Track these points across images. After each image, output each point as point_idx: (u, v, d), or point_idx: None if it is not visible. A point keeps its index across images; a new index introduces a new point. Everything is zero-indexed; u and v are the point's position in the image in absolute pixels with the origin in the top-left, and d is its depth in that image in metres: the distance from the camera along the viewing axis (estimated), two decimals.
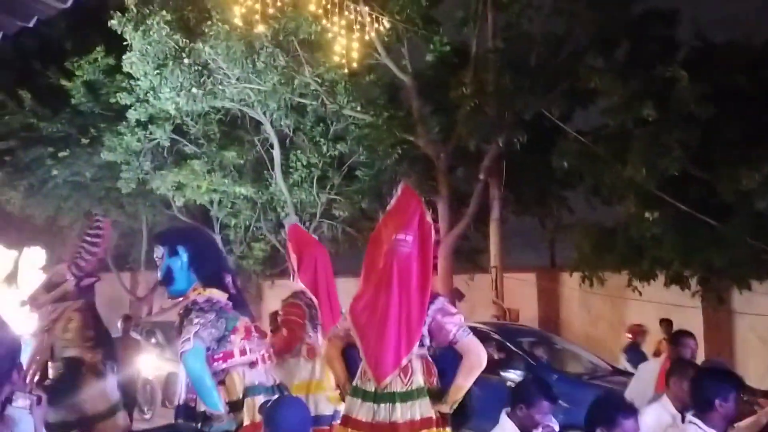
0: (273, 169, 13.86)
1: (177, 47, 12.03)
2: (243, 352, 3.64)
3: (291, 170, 13.75)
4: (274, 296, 16.57)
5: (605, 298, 12.66)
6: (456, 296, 11.89)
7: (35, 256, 6.66)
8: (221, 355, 3.61)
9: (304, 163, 13.63)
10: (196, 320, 3.55)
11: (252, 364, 3.65)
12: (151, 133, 13.52)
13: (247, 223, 14.98)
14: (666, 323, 9.91)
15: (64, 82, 14.47)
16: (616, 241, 10.45)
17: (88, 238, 4.75)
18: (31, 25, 3.36)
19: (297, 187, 13.78)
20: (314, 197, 13.81)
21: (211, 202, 14.63)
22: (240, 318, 3.72)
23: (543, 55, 11.58)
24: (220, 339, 3.60)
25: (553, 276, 14.17)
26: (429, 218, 3.83)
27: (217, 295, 3.70)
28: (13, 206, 15.29)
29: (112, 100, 13.61)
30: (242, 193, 14.08)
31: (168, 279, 3.78)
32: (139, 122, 13.37)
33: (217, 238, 15.38)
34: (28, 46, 16.67)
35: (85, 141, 14.43)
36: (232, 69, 12.17)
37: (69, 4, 3.19)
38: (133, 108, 13.07)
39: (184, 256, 3.76)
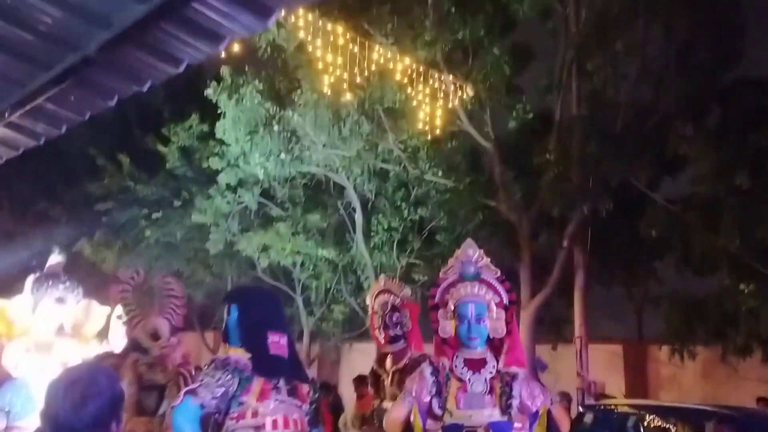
0: (354, 232, 14.02)
1: (268, 114, 12.49)
2: (254, 414, 3.56)
3: (372, 234, 13.86)
4: (352, 359, 16.55)
5: (696, 373, 12.02)
6: (538, 366, 11.53)
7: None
8: (235, 414, 3.55)
9: (385, 226, 13.72)
10: (201, 377, 3.55)
11: (259, 428, 3.56)
12: (239, 197, 13.93)
13: (328, 285, 15.08)
14: (763, 402, 9.30)
15: (160, 148, 15.20)
16: (708, 314, 9.99)
17: (174, 297, 4.93)
18: (144, 89, 3.54)
19: (377, 251, 13.85)
20: (394, 261, 13.82)
21: (294, 264, 14.83)
22: (256, 379, 3.63)
23: (629, 121, 11.42)
24: (232, 398, 3.54)
25: (640, 348, 13.59)
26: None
27: (238, 355, 3.66)
28: (107, 266, 15.90)
29: (204, 165, 14.18)
30: (324, 256, 14.24)
31: (224, 336, 3.82)
32: (228, 186, 13.82)
33: (299, 300, 15.66)
34: (128, 113, 17.71)
35: (177, 203, 15.01)
36: (318, 135, 12.51)
37: (182, 69, 3.35)
38: (223, 172, 13.54)
39: (234, 314, 3.79)
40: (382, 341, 5.37)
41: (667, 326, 10.75)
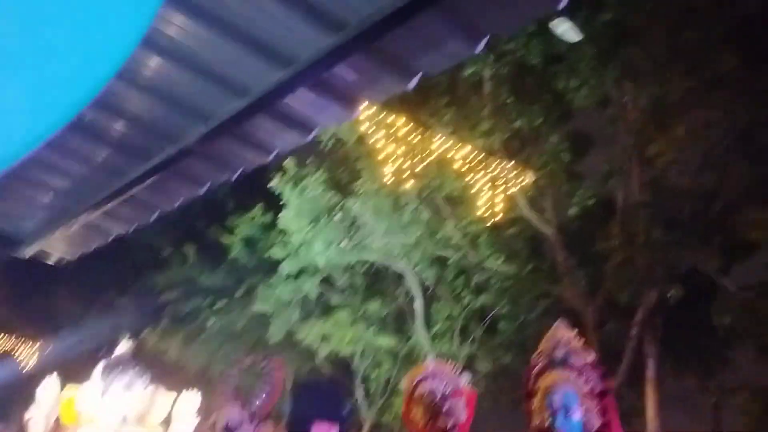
0: (414, 320, 13.79)
1: (329, 204, 12.67)
2: None
3: (432, 322, 13.61)
4: None
5: None
6: None
7: (192, 400, 6.80)
8: None
9: (446, 315, 13.51)
10: None
11: None
12: (300, 285, 13.97)
13: (388, 375, 14.76)
14: None
15: (224, 238, 15.48)
16: None
17: (267, 380, 4.78)
18: (233, 178, 3.62)
19: (438, 340, 13.58)
20: (455, 350, 13.48)
21: (353, 354, 14.61)
22: None
23: (695, 207, 11.13)
24: None
25: None
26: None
27: None
28: (171, 354, 15.99)
29: (267, 255, 14.34)
30: (384, 345, 14.01)
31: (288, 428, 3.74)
32: (289, 275, 13.89)
33: (359, 391, 15.31)
34: (193, 205, 18.21)
35: (239, 293, 15.16)
36: (378, 223, 12.57)
37: (271, 159, 3.43)
38: (285, 261, 13.64)
39: (290, 408, 3.71)
40: None
41: (746, 418, 10.07)
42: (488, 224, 11.93)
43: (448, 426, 4.81)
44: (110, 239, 4.53)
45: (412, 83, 2.83)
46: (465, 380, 5.28)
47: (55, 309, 19.60)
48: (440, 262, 13.48)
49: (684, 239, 10.70)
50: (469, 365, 13.49)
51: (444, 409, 4.87)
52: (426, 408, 4.83)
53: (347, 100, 2.97)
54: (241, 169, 3.62)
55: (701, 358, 12.90)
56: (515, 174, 11.61)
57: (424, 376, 5.05)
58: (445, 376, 5.04)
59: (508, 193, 11.65)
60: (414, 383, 4.90)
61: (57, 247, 4.61)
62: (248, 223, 15.34)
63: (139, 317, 16.98)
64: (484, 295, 13.25)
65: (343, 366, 15.84)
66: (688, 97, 11.29)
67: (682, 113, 11.43)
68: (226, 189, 17.60)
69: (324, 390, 4.06)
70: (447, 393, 4.92)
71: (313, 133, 3.22)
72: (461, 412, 4.81)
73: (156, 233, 17.08)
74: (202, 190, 3.82)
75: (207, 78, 2.88)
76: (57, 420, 5.33)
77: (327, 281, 14.42)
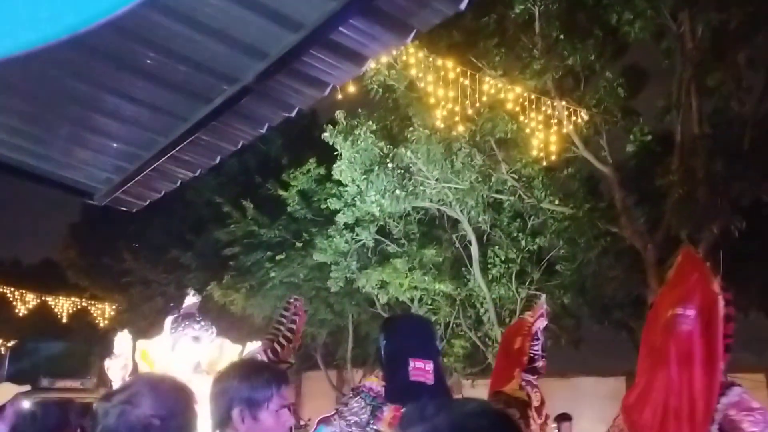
0: (471, 265, 13.71)
1: (381, 153, 12.51)
2: None
3: (489, 266, 13.53)
4: (475, 396, 16.05)
5: None
6: None
7: (257, 349, 6.85)
8: None
9: (502, 258, 13.37)
10: (336, 406, 3.45)
11: None
12: (357, 235, 13.99)
13: (447, 320, 14.78)
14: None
15: (281, 193, 15.57)
16: None
17: (284, 321, 4.69)
18: (293, 114, 3.57)
19: (496, 283, 13.49)
20: (513, 293, 13.41)
21: (412, 300, 14.66)
22: (386, 407, 3.44)
23: (757, 138, 10.57)
24: (366, 425, 3.41)
25: None
26: (716, 288, 3.21)
27: (373, 382, 3.50)
28: (236, 307, 16.32)
29: (323, 206, 14.41)
30: (442, 290, 14.00)
31: (379, 364, 3.67)
32: (346, 225, 13.93)
33: None
34: (249, 162, 18.40)
35: (299, 245, 15.31)
36: (431, 170, 12.40)
37: (327, 92, 3.37)
38: (341, 212, 13.65)
39: (382, 343, 3.63)
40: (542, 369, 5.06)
41: None
42: (543, 166, 11.65)
43: (538, 354, 4.98)
44: (178, 184, 4.57)
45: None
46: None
47: (124, 268, 20.19)
48: (495, 206, 13.31)
49: (746, 171, 10.22)
50: (528, 308, 13.40)
51: (541, 342, 5.02)
52: (532, 340, 5.01)
53: (399, 26, 2.87)
54: (298, 107, 3.55)
55: (766, 292, 12.47)
56: (569, 113, 11.21)
57: (543, 314, 5.13)
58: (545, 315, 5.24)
59: (562, 133, 11.29)
60: (535, 319, 4.94)
61: (130, 192, 4.69)
62: (303, 176, 15.39)
63: (204, 273, 17.37)
64: (540, 237, 13.08)
65: (402, 312, 15.93)
66: (748, 24, 10.64)
67: (743, 41, 10.79)
68: (279, 145, 17.71)
69: (417, 326, 4.10)
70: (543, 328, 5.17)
71: (367, 63, 3.15)
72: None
73: (215, 190, 17.33)
74: (263, 130, 3.78)
75: (261, 14, 2.81)
76: (134, 368, 5.43)
77: (383, 230, 14.41)
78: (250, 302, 16.23)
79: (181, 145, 3.90)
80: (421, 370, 3.48)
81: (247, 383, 2.45)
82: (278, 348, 4.59)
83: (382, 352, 3.59)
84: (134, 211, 5.11)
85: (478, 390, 15.93)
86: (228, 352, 6.31)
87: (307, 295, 16.13)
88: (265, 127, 3.78)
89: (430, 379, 3.45)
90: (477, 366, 15.14)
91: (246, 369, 2.59)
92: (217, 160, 4.26)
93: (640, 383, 3.20)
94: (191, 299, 5.75)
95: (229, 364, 2.82)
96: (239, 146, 4.03)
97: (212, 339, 5.72)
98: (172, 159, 4.13)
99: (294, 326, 4.70)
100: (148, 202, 4.98)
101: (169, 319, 5.41)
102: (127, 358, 5.50)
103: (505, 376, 5.00)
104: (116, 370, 5.42)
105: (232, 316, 16.44)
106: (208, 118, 3.61)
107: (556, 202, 12.29)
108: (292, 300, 5.04)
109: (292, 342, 4.64)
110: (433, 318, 14.83)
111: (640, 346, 3.37)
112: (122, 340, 5.61)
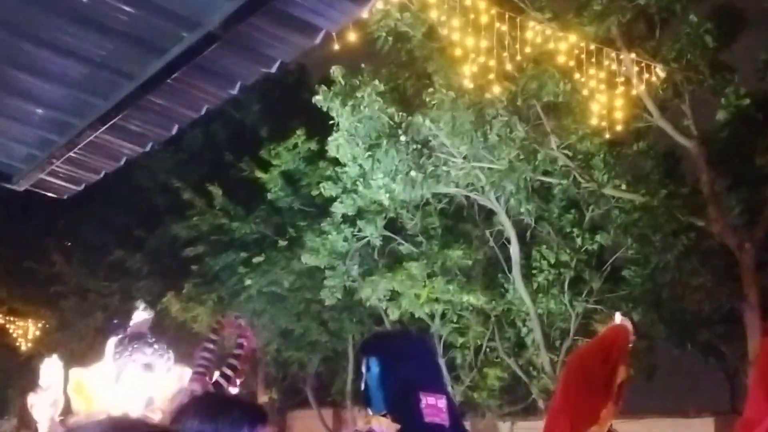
0: (510, 271, 13.70)
1: (392, 123, 12.49)
2: None
3: (534, 272, 13.54)
4: None
5: None
6: None
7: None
8: None
9: (552, 261, 13.36)
10: None
11: None
12: (359, 231, 14.01)
13: (478, 342, 14.79)
14: None
15: (259, 174, 15.59)
16: None
17: (211, 348, 4.72)
18: (273, 70, 3.57)
19: (542, 294, 13.49)
20: (566, 307, 13.39)
21: (432, 316, 14.67)
22: None
23: None
24: None
25: None
26: None
27: (384, 426, 3.49)
28: (200, 325, 16.34)
29: (314, 193, 14.45)
30: (471, 304, 14.02)
31: (365, 399, 3.67)
32: (345, 218, 13.94)
33: (440, 362, 15.40)
34: (218, 135, 18.42)
35: (282, 243, 15.35)
36: (457, 145, 12.38)
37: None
38: (338, 200, 13.67)
39: (375, 370, 3.63)
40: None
41: None
42: (605, 139, 11.59)
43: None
44: (123, 162, 4.56)
45: None
46: None
47: (52, 274, 20.25)
48: (542, 192, 13.30)
49: None
50: (586, 326, 13.40)
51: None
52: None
53: None
54: (280, 60, 3.53)
55: None
56: (640, 69, 11.16)
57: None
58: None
59: (631, 95, 11.25)
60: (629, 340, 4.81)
61: (59, 173, 4.70)
62: (288, 153, 15.37)
63: (158, 280, 17.41)
64: (602, 233, 13.04)
65: (417, 332, 15.95)
66: None
67: None
68: (256, 112, 17.71)
69: (420, 347, 4.11)
70: None
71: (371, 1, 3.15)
72: None
73: (173, 171, 17.36)
74: (234, 89, 3.77)
75: None
76: (66, 405, 5.45)
77: (393, 224, 14.41)
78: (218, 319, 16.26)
79: (126, 111, 3.90)
80: (434, 407, 3.48)
81: (211, 425, 2.45)
82: (223, 381, 4.62)
83: (377, 384, 3.59)
84: (65, 198, 5.11)
85: None
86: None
87: (293, 310, 16.19)
88: (237, 86, 3.78)
89: (444, 419, 3.47)
90: (518, 403, 15.14)
91: (209, 405, 2.59)
92: (174, 131, 4.26)
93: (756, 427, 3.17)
94: (141, 315, 5.76)
95: (188, 399, 2.82)
96: (203, 112, 4.02)
97: (169, 367, 5.74)
98: (114, 129, 4.13)
99: (241, 352, 4.75)
100: (83, 187, 4.99)
101: (112, 341, 5.42)
102: (56, 392, 5.51)
103: (588, 414, 4.86)
104: (43, 407, 5.43)
105: (194, 337, 16.48)
106: (161, 74, 3.60)
107: (623, 187, 12.25)
108: (223, 319, 5.09)
109: (237, 374, 4.67)
110: (460, 340, 14.88)
111: (754, 379, 3.35)
112: (50, 368, 5.62)
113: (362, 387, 3.72)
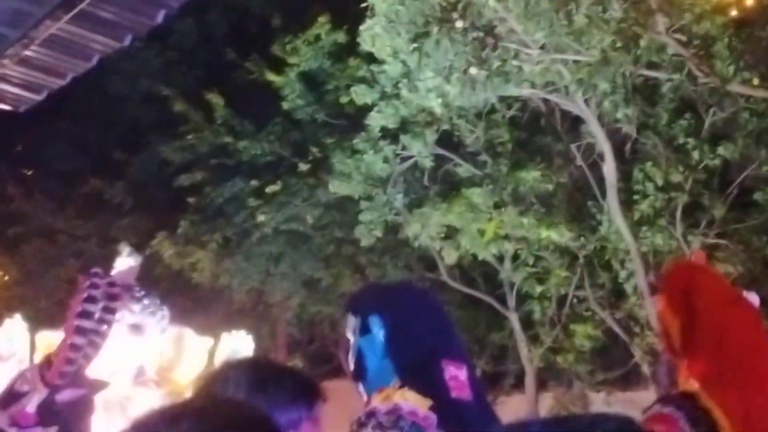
0: (604, 198, 13.60)
1: (444, 3, 12.34)
2: None
3: (636, 198, 13.40)
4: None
5: None
6: None
7: (239, 344, 6.96)
8: None
9: (659, 183, 13.21)
10: None
11: None
12: (404, 148, 13.98)
13: (563, 291, 14.80)
14: None
15: (271, 77, 15.51)
16: None
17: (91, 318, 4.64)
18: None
19: (647, 227, 13.38)
20: (678, 242, 13.28)
21: (501, 259, 14.69)
22: None
23: None
24: None
25: None
26: None
27: (411, 401, 3.48)
28: (201, 273, 16.50)
29: (344, 100, 14.38)
30: (553, 241, 13.99)
31: (359, 370, 3.66)
32: (385, 132, 13.93)
33: (513, 319, 15.48)
34: (216, 27, 18.31)
35: (303, 167, 15.35)
36: (532, 32, 12.20)
37: None
38: (376, 109, 13.62)
39: (379, 333, 3.60)
40: None
41: None
42: (731, 17, 11.37)
43: None
44: (94, 61, 4.55)
45: None
46: None
47: (9, 211, 20.42)
48: (646, 91, 13.13)
49: None
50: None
51: None
52: None
53: None
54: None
55: None
56: None
57: None
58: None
59: None
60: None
61: (11, 79, 4.71)
62: (308, 48, 15.27)
63: (146, 216, 17.55)
64: (726, 144, 12.87)
65: (483, 279, 15.97)
66: None
67: None
68: None
69: (432, 305, 4.07)
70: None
71: None
72: None
73: (160, 75, 17.35)
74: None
75: None
76: (35, 375, 5.53)
77: (449, 139, 14.36)
78: (225, 266, 16.40)
79: (38, 40, 3.86)
80: (456, 380, 3.50)
81: (262, 395, 2.47)
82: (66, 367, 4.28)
83: (381, 350, 3.56)
84: (21, 111, 5.12)
85: (617, 410, 16.02)
86: (190, 349, 6.40)
87: (320, 254, 16.26)
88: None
89: (467, 395, 3.50)
90: (615, 369, 15.18)
91: (258, 372, 2.61)
92: (159, 18, 4.22)
93: None
94: (126, 262, 5.81)
95: (222, 363, 2.83)
96: (125, 43, 3.98)
97: (163, 328, 5.81)
98: (82, 18, 4.10)
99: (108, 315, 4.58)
100: (44, 96, 4.99)
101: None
102: (21, 360, 5.61)
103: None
104: (4, 381, 5.53)
105: (194, 290, 16.67)
106: None
107: (755, 82, 12.02)
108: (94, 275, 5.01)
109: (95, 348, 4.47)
110: (539, 289, 14.89)
111: None
112: (12, 331, 5.72)
113: (353, 356, 3.69)
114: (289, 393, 2.53)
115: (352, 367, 3.67)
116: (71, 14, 4.05)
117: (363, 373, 3.61)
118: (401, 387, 3.51)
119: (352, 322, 3.69)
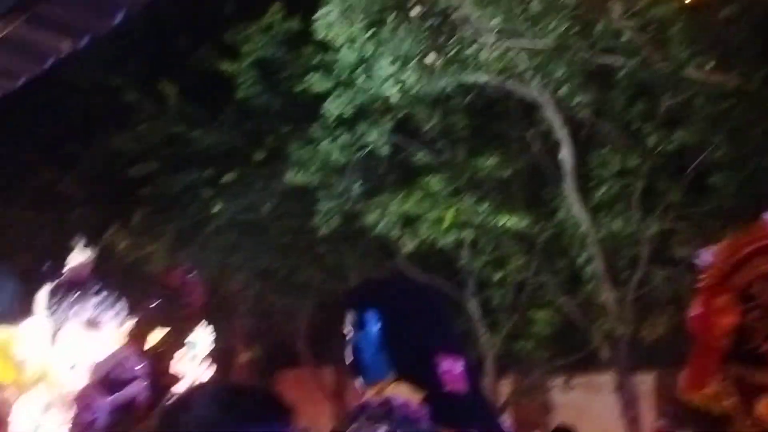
0: (562, 182, 13.66)
1: None
2: None
3: (592, 184, 13.48)
4: (569, 403, 16.27)
5: None
6: None
7: (200, 339, 6.95)
8: None
9: (616, 169, 13.29)
10: None
11: None
12: (361, 136, 13.97)
13: (521, 277, 14.87)
14: None
15: (225, 66, 15.43)
16: None
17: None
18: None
19: (604, 212, 13.48)
20: (636, 227, 13.39)
21: (460, 246, 14.72)
22: None
23: None
24: None
25: None
26: None
27: (403, 394, 3.52)
28: (155, 266, 16.40)
29: (299, 88, 14.28)
30: (510, 227, 14.02)
31: (356, 365, 3.69)
32: (341, 120, 13.90)
33: (473, 306, 15.53)
34: (167, 14, 18.15)
35: (259, 157, 15.32)
36: (488, 17, 12.24)
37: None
38: (332, 97, 13.61)
39: (375, 327, 3.63)
40: None
41: None
42: (686, 2, 11.43)
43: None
44: (47, 64, 4.53)
45: None
46: None
47: None
48: (602, 77, 13.14)
49: None
50: (662, 252, 13.43)
51: None
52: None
53: None
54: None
55: None
56: None
57: None
58: None
59: None
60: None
61: None
62: (263, 35, 15.19)
63: (99, 208, 17.41)
64: (682, 129, 12.91)
65: (442, 267, 15.99)
66: None
67: None
68: None
69: (428, 298, 4.11)
70: None
71: None
72: None
73: (111, 64, 17.18)
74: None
75: None
76: None
77: (406, 126, 14.39)
78: (180, 258, 16.31)
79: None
80: (451, 375, 3.53)
81: (231, 415, 2.47)
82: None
83: (378, 344, 3.59)
84: None
85: (577, 394, 16.15)
86: (148, 342, 6.37)
87: (277, 244, 16.23)
88: None
89: (463, 388, 3.53)
90: (574, 353, 15.28)
91: (225, 393, 2.61)
92: (118, 18, 4.19)
93: None
94: (80, 255, 5.77)
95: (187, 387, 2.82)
96: (82, 45, 3.96)
97: (120, 321, 5.78)
98: (37, 20, 4.07)
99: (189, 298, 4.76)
100: None
101: (43, 291, 5.45)
102: None
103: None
104: None
105: (149, 282, 16.57)
106: None
107: (711, 64, 12.10)
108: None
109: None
110: (497, 276, 14.96)
111: None
112: None
113: (351, 351, 3.71)
114: (259, 410, 2.53)
115: (349, 361, 3.69)
116: (26, 16, 4.02)
117: (360, 367, 3.64)
118: (396, 381, 3.54)
119: (351, 317, 3.72)
